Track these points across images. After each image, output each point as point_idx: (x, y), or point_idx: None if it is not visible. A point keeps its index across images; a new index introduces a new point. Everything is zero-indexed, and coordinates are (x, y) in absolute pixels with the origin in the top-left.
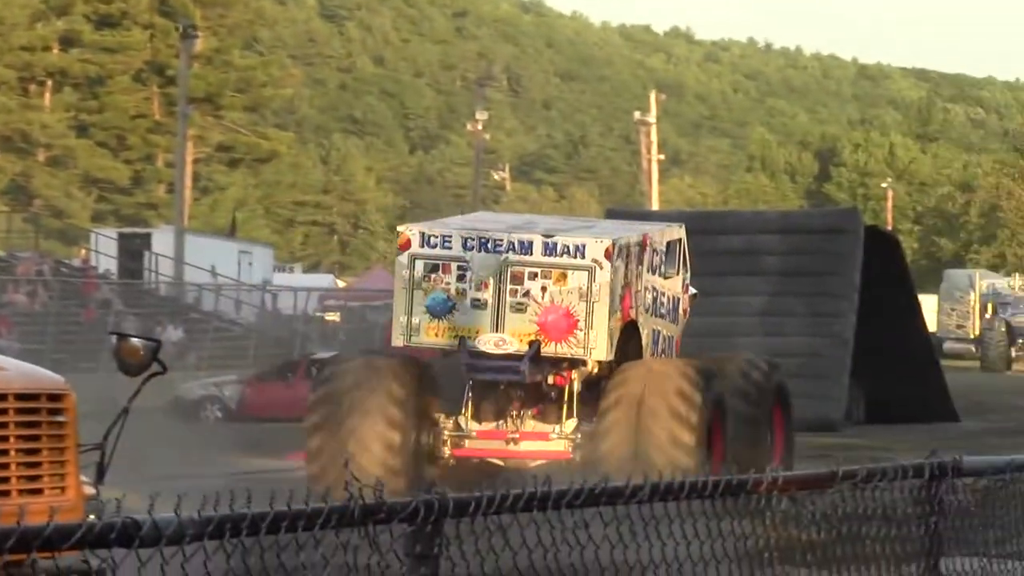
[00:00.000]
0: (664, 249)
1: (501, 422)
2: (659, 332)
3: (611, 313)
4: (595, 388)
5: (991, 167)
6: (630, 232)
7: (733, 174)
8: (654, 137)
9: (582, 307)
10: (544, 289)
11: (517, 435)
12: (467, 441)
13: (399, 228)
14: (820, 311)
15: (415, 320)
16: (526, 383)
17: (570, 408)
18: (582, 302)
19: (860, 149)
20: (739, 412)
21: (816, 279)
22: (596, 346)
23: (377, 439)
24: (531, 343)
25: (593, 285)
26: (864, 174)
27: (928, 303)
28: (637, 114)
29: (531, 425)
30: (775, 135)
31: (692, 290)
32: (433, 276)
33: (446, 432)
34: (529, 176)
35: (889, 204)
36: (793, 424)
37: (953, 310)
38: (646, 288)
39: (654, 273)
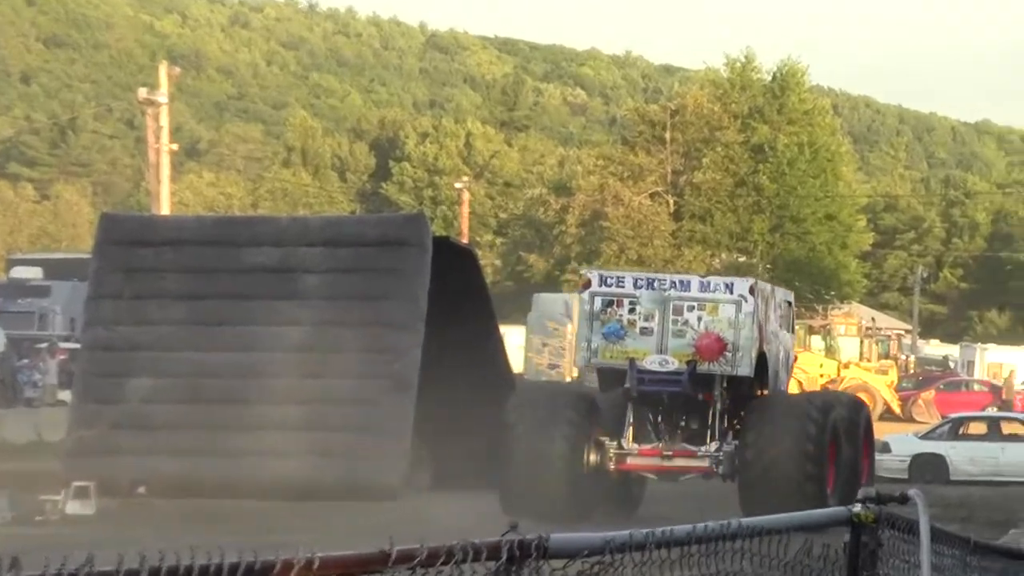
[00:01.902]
0: (785, 307)
1: (657, 443)
2: (778, 372)
3: (752, 339)
4: (733, 415)
5: (594, 164)
6: (765, 284)
7: (266, 170)
8: (165, 121)
9: (730, 333)
10: (700, 319)
11: (671, 453)
12: (629, 458)
13: (581, 271)
14: (376, 346)
15: (594, 344)
16: (685, 396)
17: (712, 432)
18: (730, 329)
19: (429, 139)
20: (843, 441)
21: (371, 305)
22: (741, 364)
23: (559, 457)
24: (689, 362)
25: (739, 315)
26: (433, 171)
27: (513, 336)
28: (143, 91)
29: (681, 446)
30: (320, 120)
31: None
32: (609, 309)
33: (611, 451)
34: (3, 170)
35: (465, 209)
36: (874, 455)
37: (545, 345)
38: (773, 332)
39: (779, 324)
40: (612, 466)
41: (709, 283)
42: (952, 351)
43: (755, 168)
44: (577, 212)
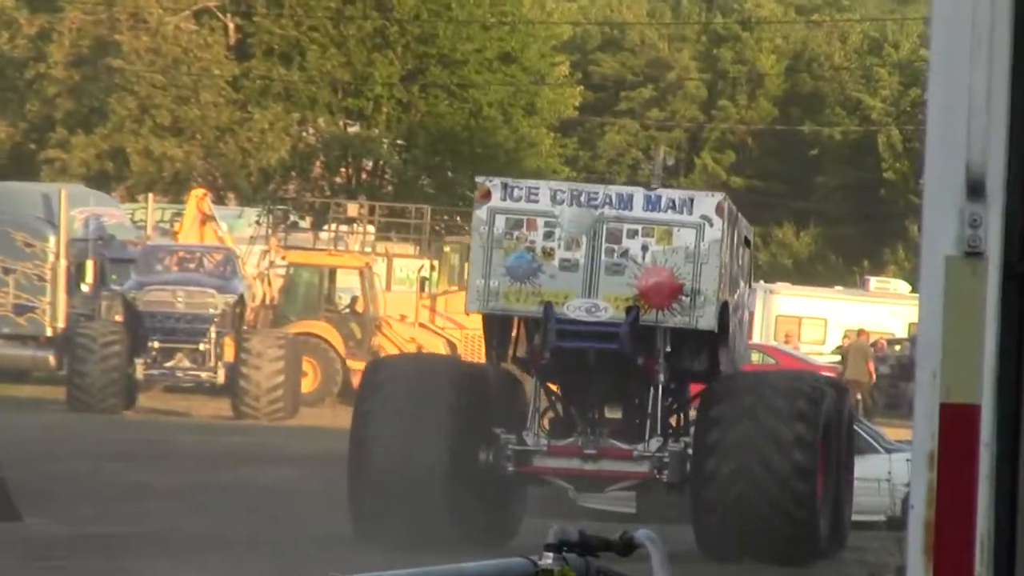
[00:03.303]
0: (743, 245)
1: (574, 438)
2: (736, 340)
3: (719, 279)
4: (677, 396)
5: None
6: (730, 204)
7: None
8: None
9: (688, 269)
10: (645, 248)
11: (595, 451)
12: (536, 458)
13: (478, 179)
14: None
15: (494, 283)
16: (621, 360)
17: (653, 421)
18: (688, 263)
19: None
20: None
21: None
22: (703, 314)
23: (437, 460)
24: (629, 309)
25: (701, 244)
26: None
27: None
28: None
29: (608, 442)
30: None
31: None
32: (516, 233)
33: (509, 447)
34: None
35: None
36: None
37: (9, 273)
38: (733, 279)
39: (738, 270)
40: (511, 469)
41: (659, 198)
42: None
43: None
44: (67, 42)
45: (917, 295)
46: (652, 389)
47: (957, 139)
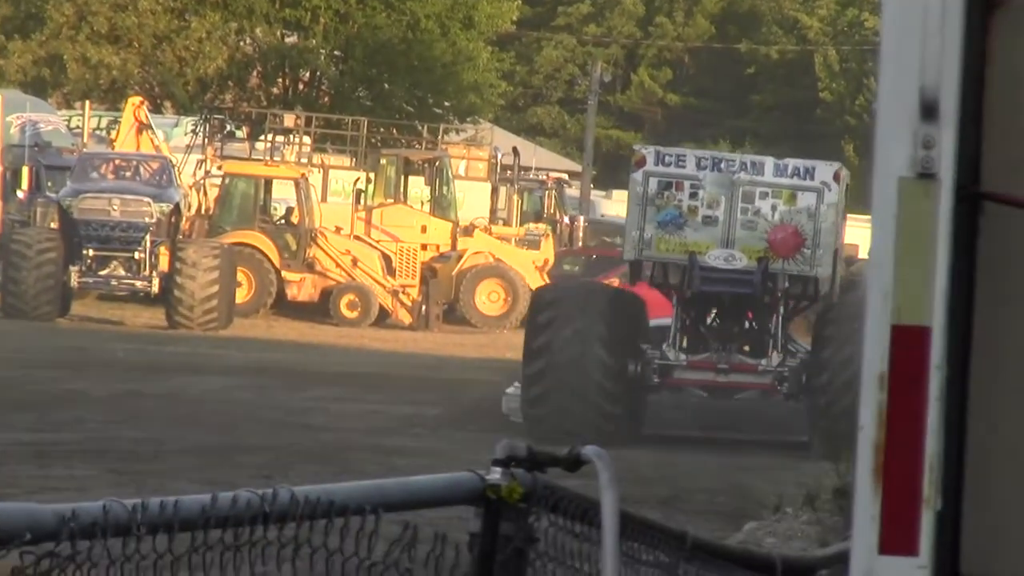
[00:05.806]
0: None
1: (709, 354)
2: (836, 276)
3: (835, 235)
4: (787, 321)
5: None
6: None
7: None
8: None
9: (810, 226)
10: (774, 208)
11: (726, 366)
12: (676, 371)
13: (635, 147)
14: None
15: (647, 235)
16: (752, 300)
17: (774, 342)
18: (810, 222)
19: None
20: None
21: None
22: (821, 264)
23: (597, 366)
24: (760, 259)
25: (821, 206)
26: None
27: None
28: None
29: (738, 358)
30: None
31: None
32: (666, 193)
33: (655, 362)
34: None
35: None
36: None
37: None
38: (840, 233)
39: (842, 229)
40: (656, 380)
41: (786, 166)
42: None
43: None
44: None
45: (865, 216)
46: (774, 316)
47: (911, 60)
